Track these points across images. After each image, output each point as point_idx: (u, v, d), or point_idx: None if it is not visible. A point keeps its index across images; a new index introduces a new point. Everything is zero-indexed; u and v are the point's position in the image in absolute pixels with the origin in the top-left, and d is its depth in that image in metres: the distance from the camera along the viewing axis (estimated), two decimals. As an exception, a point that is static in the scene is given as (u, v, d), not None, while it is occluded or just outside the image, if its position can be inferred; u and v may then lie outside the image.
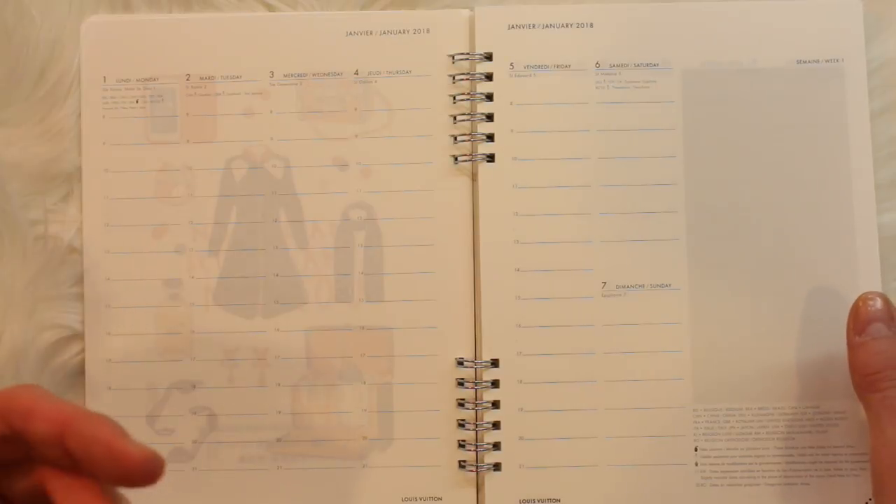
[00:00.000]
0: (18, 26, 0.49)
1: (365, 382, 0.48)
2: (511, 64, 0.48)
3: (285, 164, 0.49)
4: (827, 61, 0.49)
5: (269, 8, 0.50)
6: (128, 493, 0.32)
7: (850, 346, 0.43)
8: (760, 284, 0.47)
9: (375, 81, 0.49)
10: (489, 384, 0.47)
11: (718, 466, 0.47)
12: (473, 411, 0.47)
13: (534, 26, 0.49)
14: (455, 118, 0.48)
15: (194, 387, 0.48)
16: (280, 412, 0.48)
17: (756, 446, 0.47)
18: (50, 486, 0.31)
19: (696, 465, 0.47)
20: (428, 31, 0.49)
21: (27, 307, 0.48)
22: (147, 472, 0.29)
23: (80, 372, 0.48)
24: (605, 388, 0.47)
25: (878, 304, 0.43)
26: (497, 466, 0.47)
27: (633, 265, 0.48)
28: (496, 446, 0.47)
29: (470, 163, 0.48)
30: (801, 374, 0.47)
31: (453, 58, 0.49)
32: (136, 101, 0.49)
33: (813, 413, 0.47)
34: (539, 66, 0.49)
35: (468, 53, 0.49)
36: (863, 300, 0.43)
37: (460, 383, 0.47)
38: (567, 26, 0.49)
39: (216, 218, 0.49)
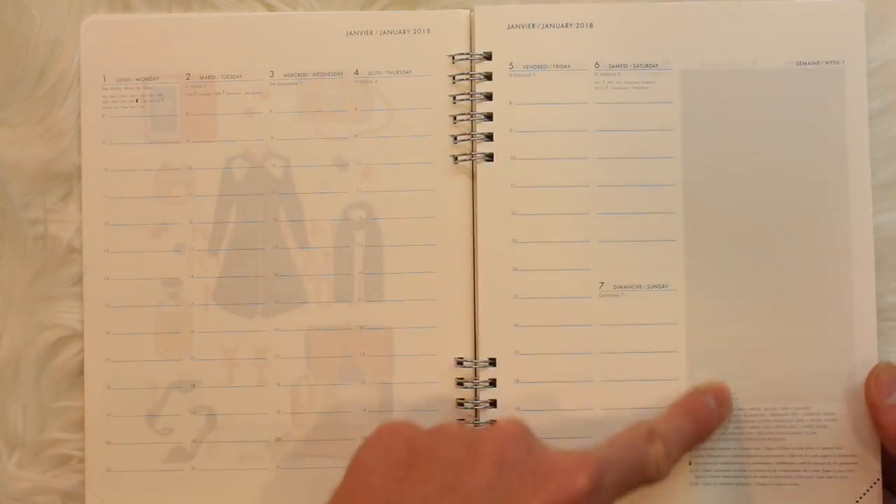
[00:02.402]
0: (18, 26, 0.48)
1: (365, 382, 0.48)
2: (510, 63, 0.48)
3: (285, 163, 0.49)
4: (827, 63, 0.49)
5: (269, 8, 0.49)
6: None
7: (879, 408, 0.45)
8: (756, 286, 0.48)
9: (375, 81, 0.49)
10: (487, 383, 0.47)
11: (712, 466, 0.47)
12: (473, 411, 0.47)
13: (533, 26, 0.49)
14: (455, 118, 0.48)
15: (194, 386, 0.48)
16: (280, 412, 0.48)
17: (747, 446, 0.47)
18: None
19: (690, 464, 0.47)
20: (428, 31, 0.49)
21: (27, 307, 0.49)
22: None
23: (79, 372, 0.49)
24: (601, 388, 0.48)
25: None
26: (494, 464, 0.47)
27: (631, 265, 0.48)
28: (493, 444, 0.47)
29: (470, 162, 0.48)
30: (794, 376, 0.47)
31: (453, 58, 0.49)
32: (136, 101, 0.49)
33: (803, 414, 0.47)
34: (538, 66, 0.49)
35: (468, 53, 0.49)
36: (884, 367, 0.46)
37: (460, 383, 0.48)
38: (567, 26, 0.49)
39: (216, 217, 0.49)
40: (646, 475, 0.40)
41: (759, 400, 0.47)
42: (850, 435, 0.47)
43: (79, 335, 0.49)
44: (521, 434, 0.38)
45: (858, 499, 0.47)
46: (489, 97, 0.48)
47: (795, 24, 0.49)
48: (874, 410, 0.45)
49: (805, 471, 0.47)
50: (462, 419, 0.48)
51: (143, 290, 0.48)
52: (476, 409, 0.47)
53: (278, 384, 0.48)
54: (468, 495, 0.35)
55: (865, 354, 0.47)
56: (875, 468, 0.47)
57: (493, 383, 0.48)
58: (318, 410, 0.48)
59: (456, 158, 0.48)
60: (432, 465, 0.37)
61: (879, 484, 0.47)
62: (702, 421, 0.45)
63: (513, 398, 0.47)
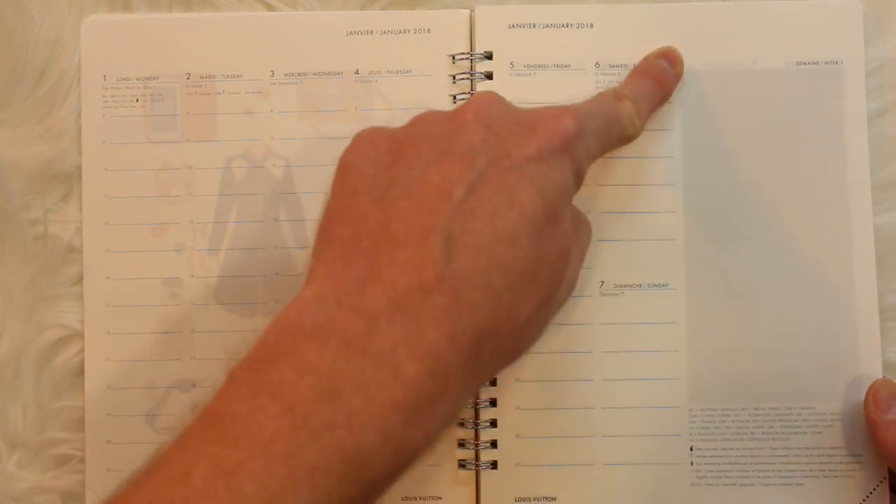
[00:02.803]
0: (18, 26, 0.48)
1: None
2: (511, 63, 0.48)
3: (285, 163, 0.49)
4: (826, 63, 0.49)
5: (269, 8, 0.49)
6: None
7: (878, 424, 0.45)
8: (757, 285, 0.48)
9: (375, 81, 0.49)
10: (486, 382, 0.47)
11: (713, 466, 0.47)
12: (473, 410, 0.47)
13: (534, 26, 0.49)
14: (455, 118, 0.48)
15: (194, 386, 0.48)
16: (280, 412, 0.48)
17: (751, 446, 0.47)
18: None
19: (692, 464, 0.47)
20: (428, 30, 0.49)
21: (27, 307, 0.48)
22: None
23: (79, 371, 0.49)
24: (601, 388, 0.47)
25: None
26: (494, 465, 0.47)
27: (631, 265, 0.48)
28: (493, 444, 0.47)
29: (470, 162, 0.48)
30: (797, 375, 0.47)
31: (453, 58, 0.49)
32: (136, 100, 0.49)
33: (808, 414, 0.47)
34: (539, 66, 0.49)
35: (468, 53, 0.49)
36: (882, 382, 0.46)
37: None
38: (567, 26, 0.49)
39: (216, 217, 0.49)
40: (622, 129, 0.42)
41: (763, 400, 0.47)
42: (856, 434, 0.47)
43: (79, 335, 0.49)
44: (498, 97, 0.39)
45: (865, 498, 0.47)
46: (489, 97, 0.48)
47: (795, 25, 0.49)
48: (873, 426, 0.45)
49: (811, 470, 0.47)
50: (462, 419, 0.47)
51: (143, 289, 0.48)
52: (476, 409, 0.47)
53: (278, 384, 0.48)
54: (464, 153, 0.35)
55: (869, 354, 0.47)
56: (881, 467, 0.47)
57: (493, 382, 0.47)
58: (319, 410, 0.48)
59: (456, 158, 0.48)
60: (420, 143, 0.37)
61: (886, 483, 0.47)
62: (659, 80, 0.46)
63: (513, 397, 0.47)
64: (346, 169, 0.38)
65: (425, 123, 0.38)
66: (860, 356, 0.47)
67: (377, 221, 0.34)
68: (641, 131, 0.43)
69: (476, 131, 0.36)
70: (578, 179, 0.38)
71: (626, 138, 0.43)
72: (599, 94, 0.43)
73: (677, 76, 0.48)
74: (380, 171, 0.36)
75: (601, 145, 0.40)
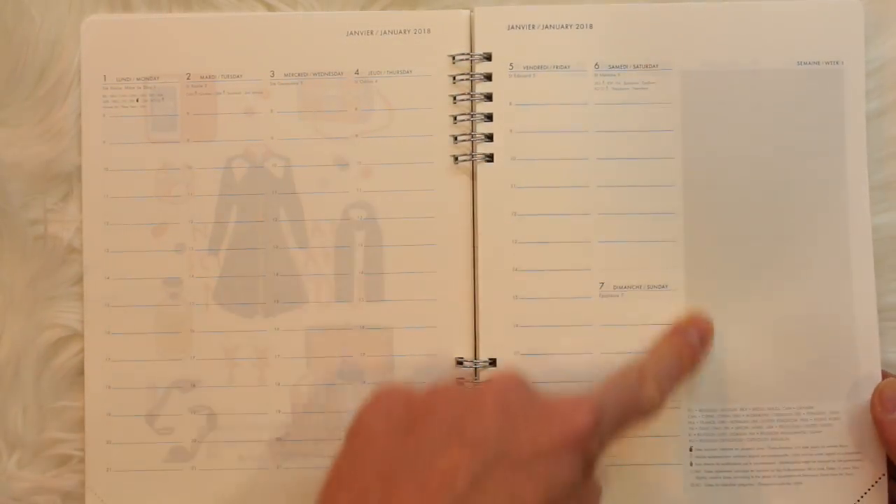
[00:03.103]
0: (18, 26, 0.49)
1: (365, 382, 0.48)
2: (510, 64, 0.48)
3: (286, 163, 0.49)
4: (827, 63, 0.49)
5: (269, 8, 0.50)
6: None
7: (884, 424, 0.46)
8: (756, 286, 0.48)
9: (376, 81, 0.49)
10: None
11: (713, 466, 0.47)
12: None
13: (533, 27, 0.49)
14: (455, 118, 0.48)
15: (194, 386, 0.48)
16: (280, 412, 0.48)
17: (750, 447, 0.47)
18: None
19: (691, 465, 0.47)
20: (428, 31, 0.49)
21: (27, 307, 0.49)
22: None
23: (79, 371, 0.49)
24: (601, 388, 0.48)
25: None
26: (494, 465, 0.47)
27: (631, 266, 0.48)
28: (493, 444, 0.47)
29: (470, 162, 0.48)
30: (796, 375, 0.47)
31: (453, 58, 0.49)
32: (137, 100, 0.49)
33: (807, 413, 0.47)
34: (538, 67, 0.49)
35: (468, 53, 0.49)
36: (888, 383, 0.47)
37: (460, 384, 0.47)
38: (566, 27, 0.49)
39: (216, 217, 0.49)
40: (641, 411, 0.42)
41: (762, 400, 0.47)
42: (855, 432, 0.47)
43: (79, 335, 0.49)
44: (519, 383, 0.39)
45: (863, 494, 0.47)
46: (489, 97, 0.48)
47: (795, 25, 0.49)
48: (879, 426, 0.46)
49: (809, 469, 0.47)
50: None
51: (143, 289, 0.48)
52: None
53: (278, 384, 0.48)
54: (476, 440, 0.36)
55: (868, 353, 0.47)
56: (880, 464, 0.47)
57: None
58: (318, 410, 0.48)
59: (456, 158, 0.48)
60: (435, 419, 0.37)
61: (885, 479, 0.47)
62: (687, 360, 0.45)
63: (513, 398, 0.47)
64: (359, 429, 0.38)
65: (443, 397, 0.38)
66: (859, 355, 0.47)
67: (378, 500, 0.35)
68: (662, 408, 0.42)
69: (491, 417, 0.37)
70: (589, 470, 0.39)
71: (642, 417, 0.42)
72: (624, 372, 0.42)
73: (706, 353, 0.46)
74: (391, 441, 0.37)
75: (618, 430, 0.41)
